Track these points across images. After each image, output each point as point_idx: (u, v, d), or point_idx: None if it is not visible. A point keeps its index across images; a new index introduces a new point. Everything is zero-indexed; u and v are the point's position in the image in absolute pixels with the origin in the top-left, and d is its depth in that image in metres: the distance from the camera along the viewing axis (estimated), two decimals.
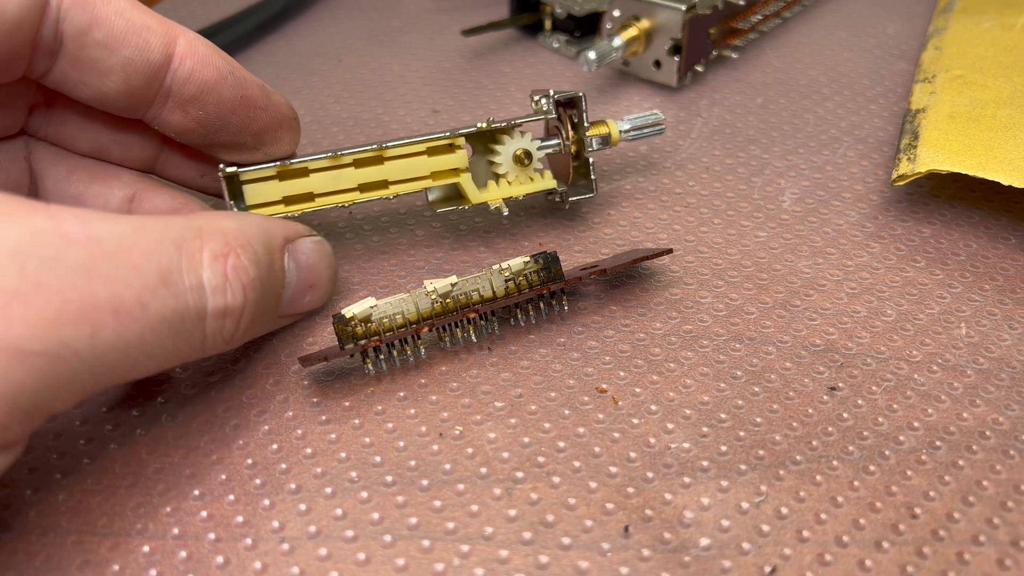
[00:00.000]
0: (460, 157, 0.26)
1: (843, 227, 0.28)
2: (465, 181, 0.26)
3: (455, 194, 0.27)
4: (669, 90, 0.35)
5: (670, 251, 0.25)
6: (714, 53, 0.36)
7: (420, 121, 0.34)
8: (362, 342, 0.23)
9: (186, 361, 0.20)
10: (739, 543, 0.19)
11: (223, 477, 0.21)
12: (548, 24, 0.38)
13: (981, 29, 0.36)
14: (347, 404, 0.23)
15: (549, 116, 0.27)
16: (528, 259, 0.24)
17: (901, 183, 0.28)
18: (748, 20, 0.37)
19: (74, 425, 0.22)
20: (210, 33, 0.37)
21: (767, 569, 0.19)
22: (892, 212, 0.29)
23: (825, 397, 0.23)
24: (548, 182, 0.27)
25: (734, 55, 0.37)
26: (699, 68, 0.36)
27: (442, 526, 0.20)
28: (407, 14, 0.41)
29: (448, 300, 0.24)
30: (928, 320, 0.25)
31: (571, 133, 0.27)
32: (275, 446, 0.22)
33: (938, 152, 0.28)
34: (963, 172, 0.27)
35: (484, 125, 0.26)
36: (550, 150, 0.27)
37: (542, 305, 0.25)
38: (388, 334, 0.23)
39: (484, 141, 0.27)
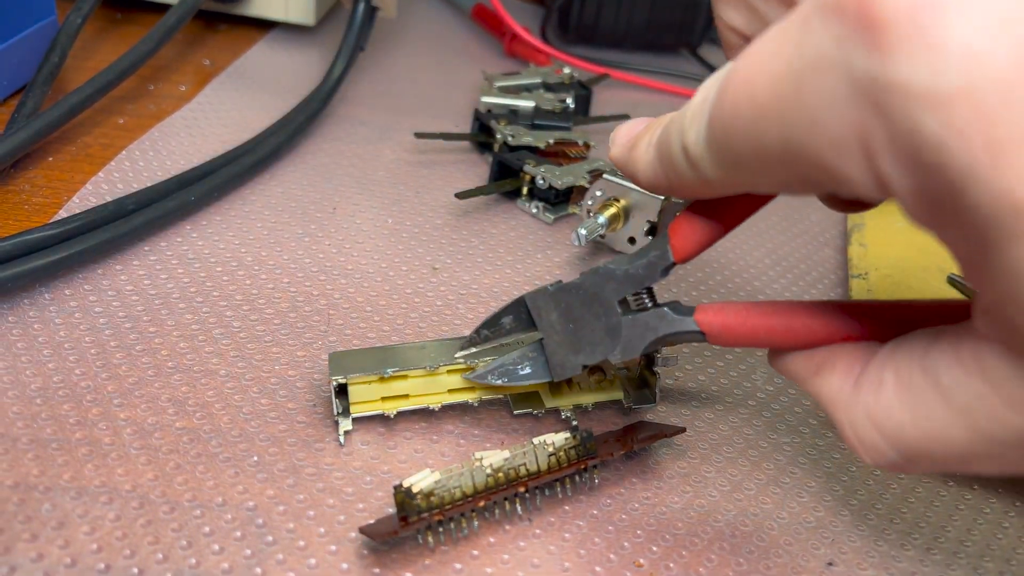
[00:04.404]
0: None
1: (811, 406, 0.32)
2: (542, 390, 0.30)
3: (531, 396, 0.30)
4: None
5: (683, 430, 0.28)
6: None
7: (423, 279, 0.36)
8: (425, 515, 0.24)
9: None
10: None
11: None
12: (525, 191, 0.42)
13: (896, 228, 0.42)
14: None
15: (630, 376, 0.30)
16: (568, 435, 0.26)
17: None
18: None
19: None
20: (207, 171, 0.38)
21: None
22: None
23: (823, 571, 0.26)
24: (616, 392, 0.30)
25: None
26: None
27: None
28: (389, 164, 0.44)
29: (500, 474, 0.26)
30: None
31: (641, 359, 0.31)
32: None
33: None
34: None
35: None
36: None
37: (577, 478, 0.27)
38: (448, 508, 0.25)
39: None
